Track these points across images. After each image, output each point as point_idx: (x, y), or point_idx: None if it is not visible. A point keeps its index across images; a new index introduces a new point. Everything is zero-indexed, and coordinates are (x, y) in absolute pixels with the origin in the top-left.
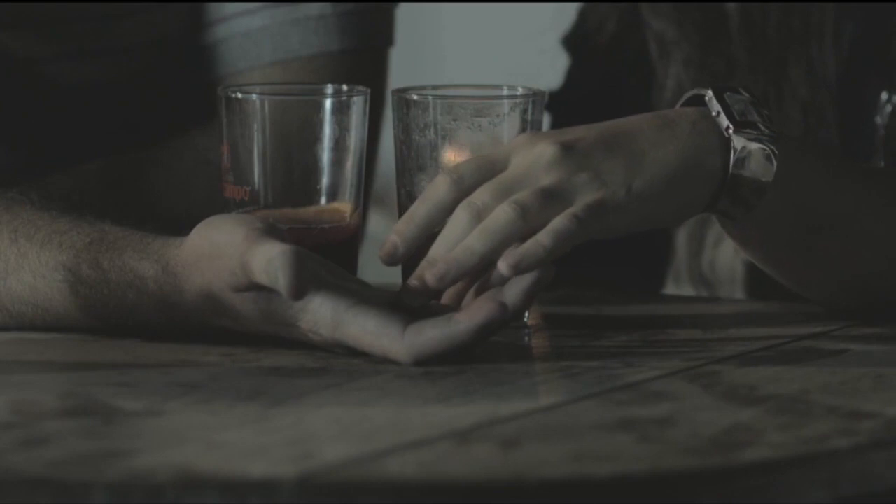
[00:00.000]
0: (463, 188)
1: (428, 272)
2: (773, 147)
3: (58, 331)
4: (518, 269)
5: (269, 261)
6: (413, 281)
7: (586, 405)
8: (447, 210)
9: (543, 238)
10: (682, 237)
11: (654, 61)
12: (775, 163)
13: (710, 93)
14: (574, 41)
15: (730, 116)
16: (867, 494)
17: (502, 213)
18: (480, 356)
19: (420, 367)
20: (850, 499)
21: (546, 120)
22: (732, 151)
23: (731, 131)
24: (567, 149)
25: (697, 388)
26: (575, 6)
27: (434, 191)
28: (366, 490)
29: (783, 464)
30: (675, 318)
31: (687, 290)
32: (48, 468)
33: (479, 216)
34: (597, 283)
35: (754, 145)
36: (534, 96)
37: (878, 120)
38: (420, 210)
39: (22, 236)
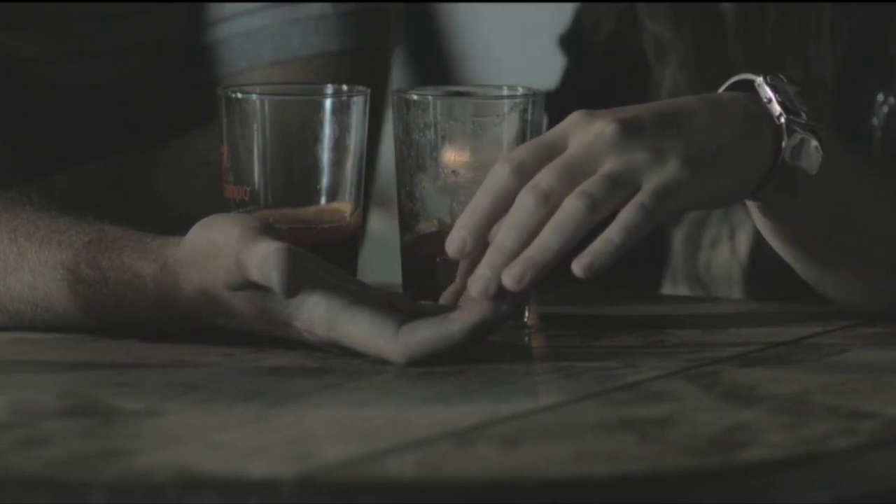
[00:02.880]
0: (524, 174)
1: (506, 276)
2: (820, 138)
3: (57, 330)
4: (592, 271)
5: (264, 259)
6: (485, 271)
7: (586, 405)
8: (511, 198)
9: (613, 235)
10: (678, 239)
11: (651, 62)
12: (821, 154)
13: (760, 79)
14: (570, 41)
15: (781, 105)
16: (867, 494)
17: (572, 207)
18: (480, 356)
19: (418, 367)
20: (850, 499)
21: (545, 120)
22: (784, 140)
23: (782, 120)
24: (627, 126)
25: (697, 388)
26: (572, 6)
27: (495, 179)
28: (366, 490)
29: (783, 464)
30: (675, 318)
31: (683, 291)
32: (48, 468)
33: (546, 199)
34: (596, 282)
35: (804, 135)
36: (534, 96)
37: (875, 121)
38: (484, 200)
39: (21, 235)
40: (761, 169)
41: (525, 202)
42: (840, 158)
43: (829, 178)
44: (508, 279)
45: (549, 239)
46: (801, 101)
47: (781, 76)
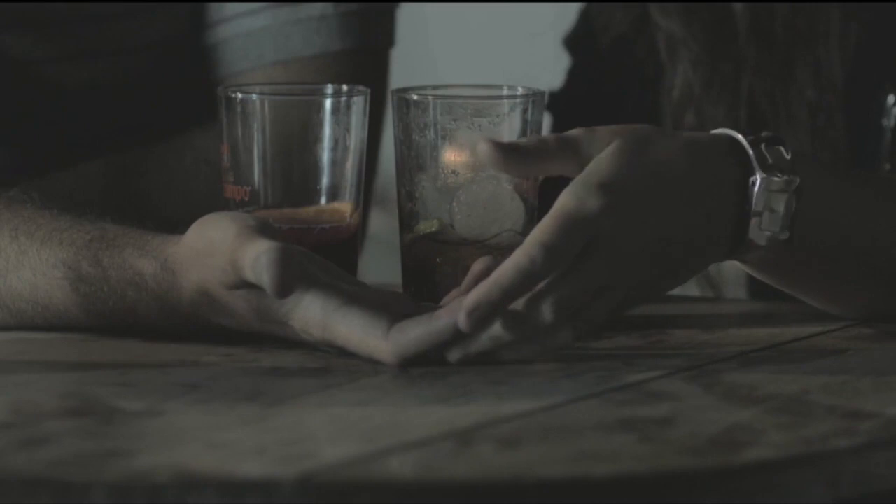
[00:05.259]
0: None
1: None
2: (785, 236)
3: (58, 330)
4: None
5: (256, 258)
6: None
7: (586, 405)
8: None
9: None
10: None
11: (664, 61)
12: (793, 233)
13: (757, 181)
14: (575, 41)
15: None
16: (867, 494)
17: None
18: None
19: (418, 367)
20: (850, 499)
21: (546, 121)
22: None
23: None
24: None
25: (697, 388)
26: (576, 6)
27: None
28: (366, 490)
29: (783, 464)
30: (675, 318)
31: (692, 291)
32: (48, 468)
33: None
34: None
35: (765, 241)
36: (534, 96)
37: (885, 122)
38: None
39: (22, 234)
40: (721, 254)
41: (531, 255)
42: (835, 201)
43: (819, 228)
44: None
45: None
46: (788, 165)
47: (771, 139)
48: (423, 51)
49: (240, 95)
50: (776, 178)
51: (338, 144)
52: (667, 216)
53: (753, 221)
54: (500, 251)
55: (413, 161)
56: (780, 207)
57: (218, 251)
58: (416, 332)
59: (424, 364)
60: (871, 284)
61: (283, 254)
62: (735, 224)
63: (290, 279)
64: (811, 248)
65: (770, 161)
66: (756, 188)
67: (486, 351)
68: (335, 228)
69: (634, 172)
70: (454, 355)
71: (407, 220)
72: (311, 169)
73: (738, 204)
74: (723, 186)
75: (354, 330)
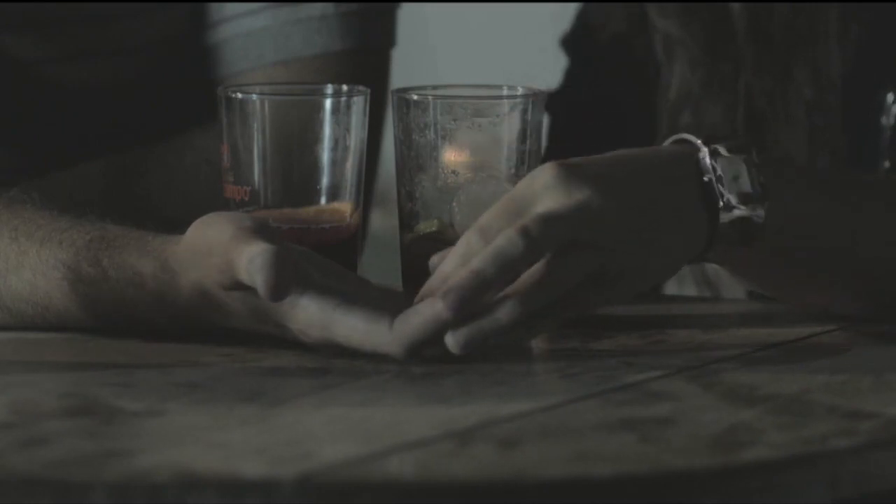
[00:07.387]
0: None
1: (443, 304)
2: (761, 214)
3: (58, 330)
4: (468, 347)
5: (251, 260)
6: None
7: (586, 405)
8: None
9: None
10: None
11: (661, 61)
12: (763, 224)
13: (704, 153)
14: (573, 42)
15: (720, 190)
16: (867, 494)
17: (505, 238)
18: (480, 356)
19: (418, 366)
20: (850, 499)
21: (545, 120)
22: (719, 220)
23: (721, 203)
24: (568, 169)
25: (697, 388)
26: (574, 6)
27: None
28: (366, 490)
29: (783, 464)
30: (675, 318)
31: (690, 291)
32: (48, 468)
33: (485, 238)
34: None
35: (741, 213)
36: (534, 96)
37: (884, 121)
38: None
39: (22, 234)
40: (702, 241)
41: (469, 239)
42: (801, 204)
43: (786, 231)
44: (446, 310)
45: (485, 266)
46: (748, 171)
47: (732, 139)
48: (423, 51)
49: (240, 95)
50: (721, 146)
51: (338, 144)
52: (633, 205)
53: (722, 202)
54: None
55: (413, 161)
56: (742, 171)
57: (215, 252)
58: (418, 318)
59: (424, 364)
60: (837, 285)
61: (277, 256)
62: (705, 218)
63: (285, 282)
64: (780, 247)
65: (723, 153)
66: (705, 159)
67: (483, 333)
68: (335, 228)
69: (598, 161)
70: (453, 340)
71: (407, 220)
72: (311, 169)
73: (702, 197)
74: (681, 183)
75: (357, 327)
